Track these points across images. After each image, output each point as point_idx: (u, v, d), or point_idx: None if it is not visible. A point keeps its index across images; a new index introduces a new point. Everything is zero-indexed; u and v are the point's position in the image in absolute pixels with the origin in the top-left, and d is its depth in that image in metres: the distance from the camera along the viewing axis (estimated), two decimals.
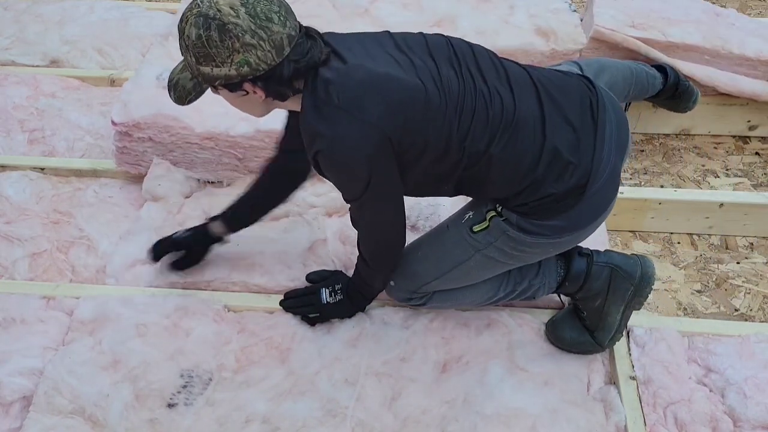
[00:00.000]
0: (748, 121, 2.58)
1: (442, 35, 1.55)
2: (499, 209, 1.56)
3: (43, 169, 2.25)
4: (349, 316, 1.80)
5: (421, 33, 1.54)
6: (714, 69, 2.47)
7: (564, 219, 1.53)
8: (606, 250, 1.75)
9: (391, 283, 1.75)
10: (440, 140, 1.45)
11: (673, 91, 2.24)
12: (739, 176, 2.46)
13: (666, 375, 1.70)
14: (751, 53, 2.46)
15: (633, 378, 1.71)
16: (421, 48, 1.49)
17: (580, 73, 1.77)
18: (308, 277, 1.87)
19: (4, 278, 1.96)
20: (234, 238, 1.88)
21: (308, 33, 1.43)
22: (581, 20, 2.63)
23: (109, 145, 2.31)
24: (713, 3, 2.93)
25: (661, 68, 2.24)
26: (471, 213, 1.63)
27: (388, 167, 1.46)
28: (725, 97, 2.50)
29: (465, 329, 1.81)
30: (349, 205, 1.58)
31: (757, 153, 2.56)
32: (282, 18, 1.33)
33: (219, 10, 1.30)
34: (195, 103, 2.24)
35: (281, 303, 1.84)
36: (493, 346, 1.77)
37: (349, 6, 2.64)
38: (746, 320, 2.01)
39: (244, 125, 2.13)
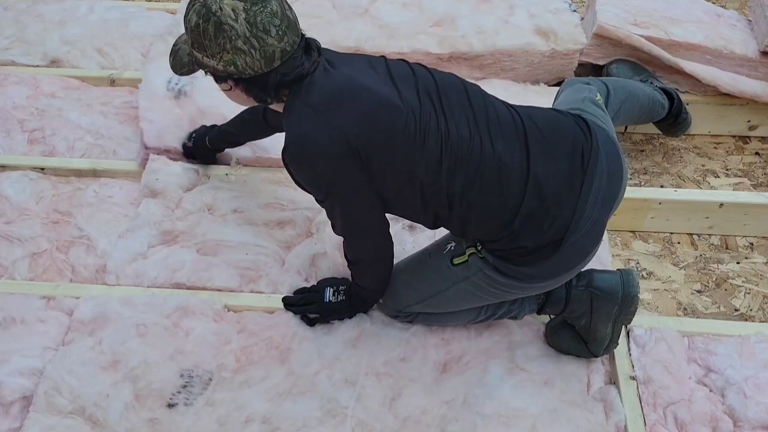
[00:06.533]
0: (748, 121, 2.57)
1: (430, 72, 1.53)
2: (479, 247, 1.56)
3: (43, 169, 2.25)
4: (349, 317, 1.80)
5: (409, 66, 1.53)
6: (716, 69, 2.48)
7: (538, 268, 1.51)
8: (588, 270, 1.69)
9: (380, 300, 1.79)
10: (403, 168, 1.45)
11: (673, 120, 2.26)
12: (739, 176, 2.46)
13: (666, 375, 1.71)
14: (752, 54, 2.47)
15: (633, 378, 1.71)
16: (408, 80, 1.49)
17: (598, 100, 1.72)
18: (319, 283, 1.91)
19: (4, 278, 1.96)
20: (242, 247, 1.97)
21: (308, 46, 1.44)
22: (582, 19, 2.63)
23: (109, 144, 2.31)
24: (714, 3, 2.93)
25: (668, 93, 2.24)
26: (453, 244, 1.64)
27: (352, 174, 1.45)
28: (725, 97, 2.50)
29: (465, 329, 1.81)
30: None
31: (757, 153, 2.55)
32: (280, 33, 1.36)
33: (221, 8, 1.33)
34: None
35: (283, 299, 1.85)
36: (493, 346, 1.77)
37: (349, 6, 2.63)
38: (746, 320, 2.01)
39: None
